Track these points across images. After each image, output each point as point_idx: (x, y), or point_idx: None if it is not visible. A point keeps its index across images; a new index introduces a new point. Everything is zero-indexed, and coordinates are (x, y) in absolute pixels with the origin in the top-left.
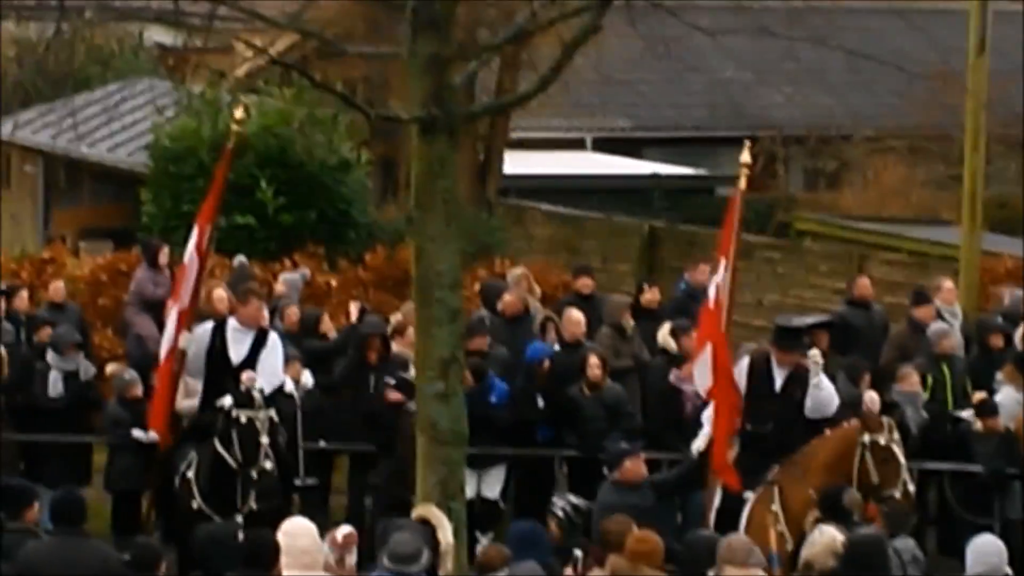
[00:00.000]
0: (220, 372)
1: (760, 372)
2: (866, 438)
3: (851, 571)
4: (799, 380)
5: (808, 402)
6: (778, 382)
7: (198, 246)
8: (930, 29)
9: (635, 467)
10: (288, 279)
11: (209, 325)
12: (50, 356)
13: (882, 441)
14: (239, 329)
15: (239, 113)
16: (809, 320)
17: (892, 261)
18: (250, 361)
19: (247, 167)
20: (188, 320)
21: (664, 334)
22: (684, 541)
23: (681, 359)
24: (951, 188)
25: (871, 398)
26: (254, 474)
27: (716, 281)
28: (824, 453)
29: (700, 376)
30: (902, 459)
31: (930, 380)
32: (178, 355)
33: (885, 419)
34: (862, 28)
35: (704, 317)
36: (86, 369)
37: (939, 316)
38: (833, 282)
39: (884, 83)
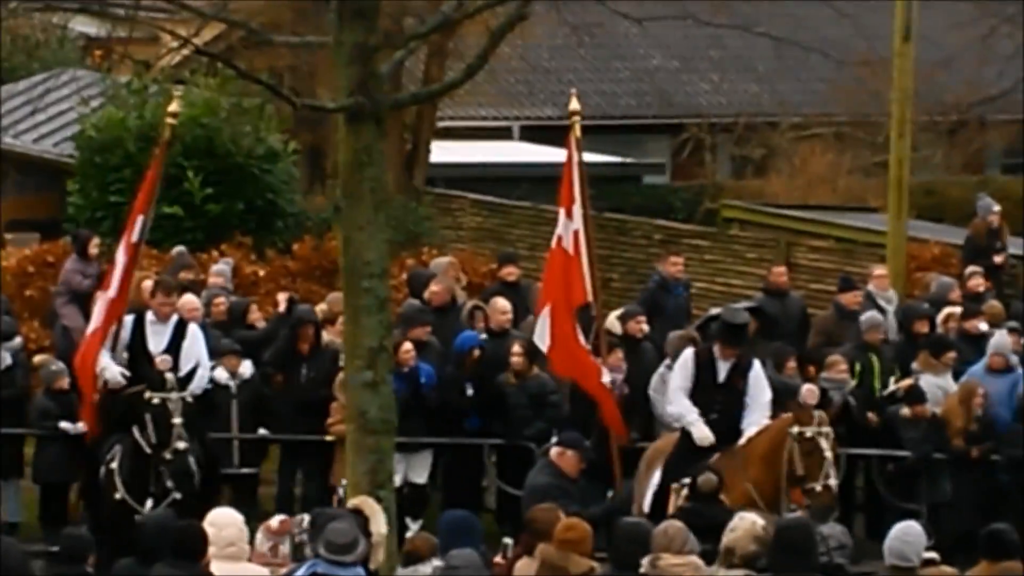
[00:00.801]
0: (140, 363)
1: (704, 364)
2: (795, 429)
3: (778, 556)
4: (741, 371)
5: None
6: (722, 374)
7: (127, 237)
8: (857, 16)
9: (573, 461)
10: (218, 270)
11: (130, 317)
12: None
13: (808, 433)
14: (156, 321)
15: (174, 106)
16: (735, 307)
17: (819, 248)
18: (170, 352)
19: (174, 157)
20: (118, 310)
21: (613, 318)
22: (615, 528)
23: (610, 347)
24: (878, 175)
25: (810, 390)
26: (167, 455)
27: (571, 228)
28: (761, 445)
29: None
30: (827, 452)
31: (858, 367)
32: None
33: (817, 412)
34: (788, 15)
35: (553, 264)
36: (1, 360)
37: (873, 303)
38: (761, 269)
39: (811, 70)
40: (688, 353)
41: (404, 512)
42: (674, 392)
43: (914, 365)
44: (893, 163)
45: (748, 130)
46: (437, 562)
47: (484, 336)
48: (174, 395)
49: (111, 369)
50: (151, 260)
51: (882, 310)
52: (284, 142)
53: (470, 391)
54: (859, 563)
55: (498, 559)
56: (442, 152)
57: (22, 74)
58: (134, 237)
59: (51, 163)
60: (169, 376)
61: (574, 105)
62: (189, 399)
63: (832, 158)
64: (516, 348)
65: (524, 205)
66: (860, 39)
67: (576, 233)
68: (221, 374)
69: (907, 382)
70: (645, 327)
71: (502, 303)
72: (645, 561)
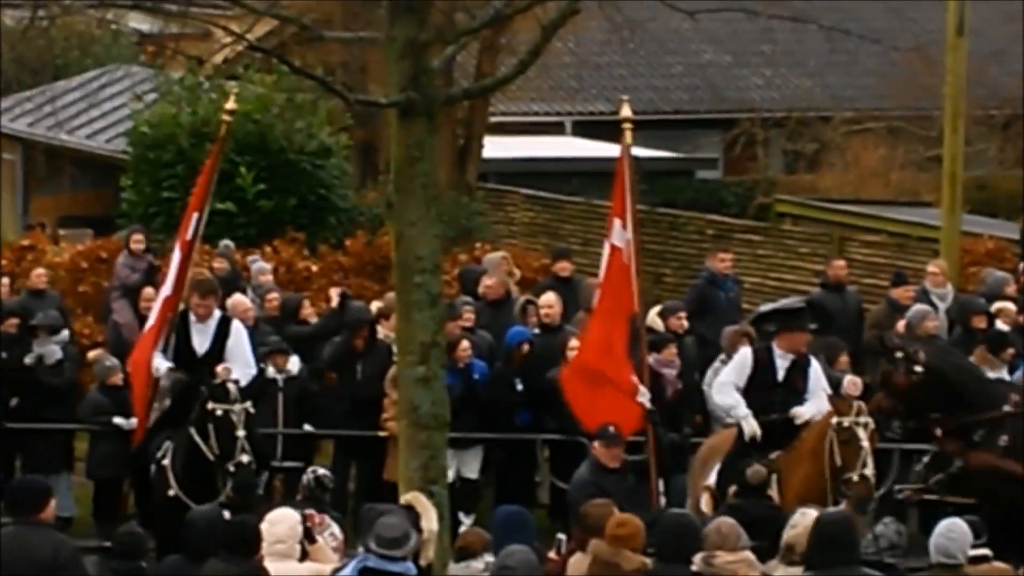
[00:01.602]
0: (186, 363)
1: (763, 363)
2: (834, 420)
3: (818, 550)
4: (800, 369)
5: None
6: (781, 372)
7: (182, 234)
8: (909, 11)
9: (607, 453)
10: (261, 267)
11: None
12: (36, 342)
13: (846, 423)
14: (197, 322)
15: (230, 103)
16: (785, 303)
17: (872, 243)
18: (215, 351)
19: (227, 153)
20: (173, 307)
21: (653, 315)
22: (664, 523)
23: (663, 342)
24: (931, 169)
25: (852, 381)
26: (231, 467)
27: (625, 238)
28: (809, 440)
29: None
30: (864, 442)
31: None
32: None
33: (857, 403)
34: (841, 10)
35: (613, 273)
36: (51, 353)
37: (927, 299)
38: (813, 264)
39: (863, 64)
40: (746, 352)
41: (456, 507)
42: (723, 385)
43: (971, 360)
44: (946, 157)
45: (800, 124)
46: (490, 557)
47: (536, 331)
48: (237, 407)
49: (160, 362)
50: (203, 255)
51: (934, 307)
52: (336, 138)
53: (519, 386)
54: (912, 559)
55: (552, 555)
56: (494, 147)
57: (76, 70)
58: (189, 234)
59: (105, 159)
60: (232, 387)
61: (626, 111)
62: (251, 410)
63: (885, 152)
64: (573, 343)
65: (576, 200)
66: (911, 33)
67: (629, 243)
68: (268, 369)
69: None
70: (686, 323)
71: (551, 297)
72: (698, 558)
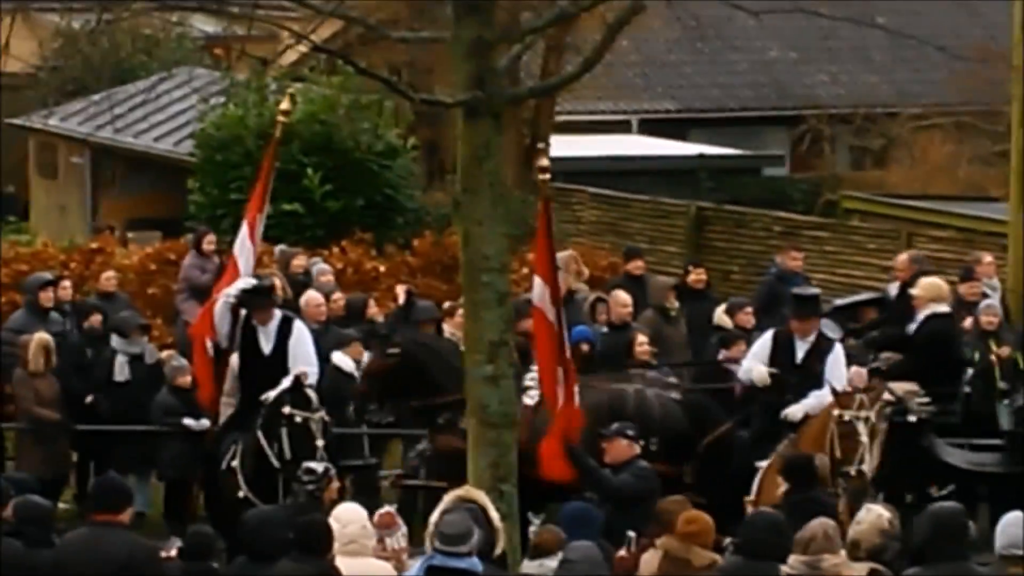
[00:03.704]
0: (252, 363)
1: (783, 345)
2: (835, 412)
3: (932, 543)
4: (820, 353)
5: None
6: (799, 355)
7: (250, 236)
8: (975, 5)
9: (611, 449)
10: (321, 268)
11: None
12: (115, 341)
13: (846, 416)
14: (259, 324)
15: (285, 104)
16: (857, 298)
17: (940, 238)
18: (279, 351)
19: (293, 154)
20: (235, 309)
21: (720, 312)
22: (754, 521)
23: (732, 339)
24: (998, 164)
25: (857, 373)
26: (303, 476)
27: (541, 299)
28: (811, 431)
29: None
30: (863, 437)
31: (977, 355)
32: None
33: (860, 396)
34: (905, 6)
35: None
36: (151, 352)
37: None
38: (881, 260)
39: (928, 60)
40: (769, 333)
41: (526, 507)
42: (747, 358)
43: None
44: (1014, 152)
45: (867, 121)
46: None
47: (605, 329)
48: (316, 415)
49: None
50: (270, 257)
51: (986, 296)
52: (403, 138)
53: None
54: (983, 554)
55: (622, 552)
56: (561, 146)
57: (141, 74)
58: (259, 235)
59: (172, 161)
60: (312, 394)
61: (543, 162)
62: (328, 419)
63: (952, 148)
64: (641, 339)
65: (643, 198)
66: (976, 28)
67: (545, 300)
68: (346, 362)
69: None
70: (753, 319)
71: (623, 296)
72: (799, 561)
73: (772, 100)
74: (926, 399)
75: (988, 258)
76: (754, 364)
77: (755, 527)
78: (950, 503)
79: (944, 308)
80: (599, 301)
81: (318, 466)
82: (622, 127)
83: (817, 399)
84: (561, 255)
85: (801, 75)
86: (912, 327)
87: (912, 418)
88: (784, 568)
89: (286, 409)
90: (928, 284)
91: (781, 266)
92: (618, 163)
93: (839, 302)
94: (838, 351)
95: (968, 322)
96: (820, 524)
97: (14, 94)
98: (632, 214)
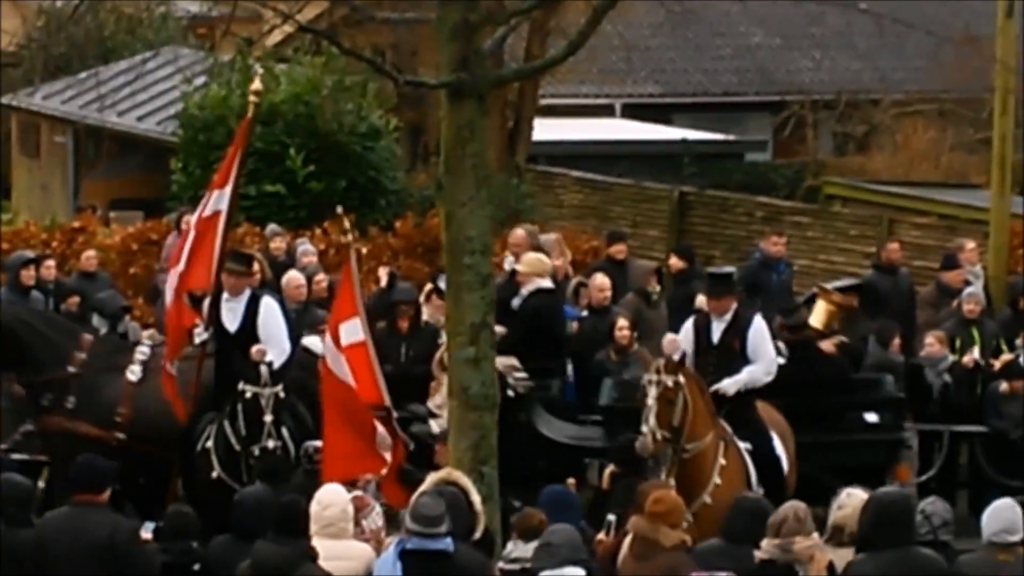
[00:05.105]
0: (220, 342)
1: (702, 327)
2: (651, 376)
3: (874, 530)
4: (738, 331)
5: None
6: (716, 334)
7: (199, 212)
8: None
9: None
10: (307, 249)
11: (207, 300)
12: (96, 320)
13: (670, 383)
14: (228, 299)
15: (256, 84)
16: (837, 284)
17: (921, 225)
18: (245, 329)
19: (276, 135)
20: (188, 284)
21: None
22: (738, 505)
23: None
24: (980, 151)
25: (671, 340)
26: (255, 451)
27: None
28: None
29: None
30: (650, 400)
31: (958, 342)
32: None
33: (656, 362)
34: None
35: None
36: (134, 331)
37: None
38: (863, 246)
39: (912, 47)
40: (689, 320)
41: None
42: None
43: (1018, 341)
44: (996, 139)
45: (850, 107)
46: None
47: (585, 312)
48: (267, 390)
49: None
50: (254, 238)
51: (968, 284)
52: (386, 120)
53: (569, 367)
54: (961, 540)
55: (601, 536)
56: (544, 129)
57: (125, 53)
58: (208, 211)
59: (155, 141)
60: (263, 369)
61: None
62: (282, 395)
63: (934, 135)
64: (622, 323)
65: (626, 183)
66: (960, 15)
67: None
68: (316, 344)
69: (1006, 357)
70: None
71: (601, 279)
72: (771, 544)
73: (756, 85)
74: (524, 374)
75: (970, 245)
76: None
77: (737, 512)
78: (895, 489)
79: (547, 283)
80: (581, 285)
81: (271, 443)
82: (605, 111)
83: (749, 374)
84: (548, 238)
85: (785, 61)
86: (516, 302)
87: (511, 392)
88: (757, 552)
89: (239, 386)
90: (531, 259)
91: (764, 251)
92: (601, 147)
93: (816, 289)
94: (758, 326)
95: (951, 308)
96: (791, 507)
97: None
98: (615, 198)
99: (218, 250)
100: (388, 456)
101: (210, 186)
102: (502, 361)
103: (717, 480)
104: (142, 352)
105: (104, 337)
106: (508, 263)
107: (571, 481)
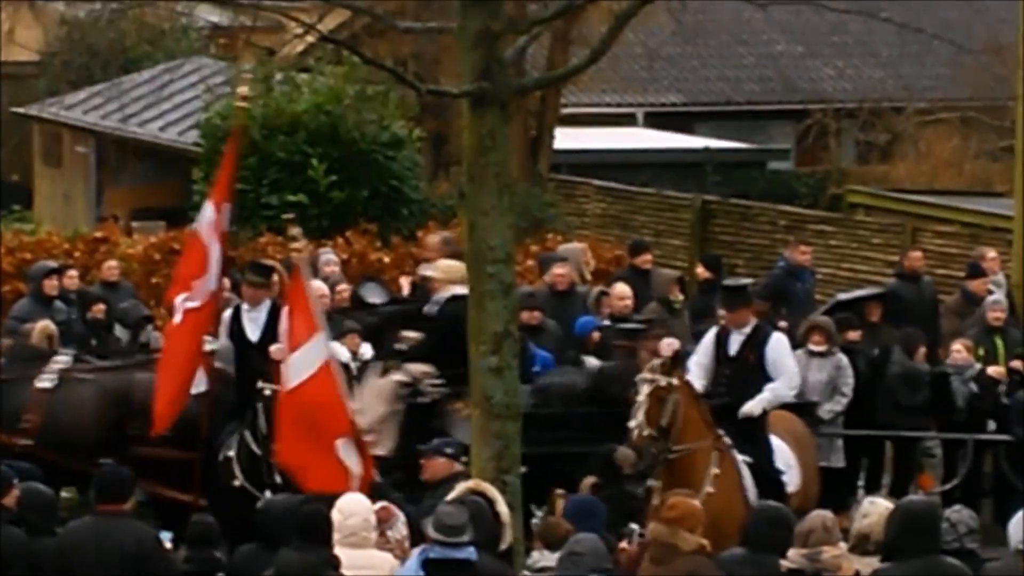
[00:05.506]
0: (241, 352)
1: (721, 338)
2: (648, 375)
3: (900, 539)
4: (756, 344)
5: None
6: (733, 347)
7: (218, 227)
8: (981, 2)
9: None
10: (329, 259)
11: (228, 312)
12: (119, 330)
13: (663, 383)
14: (249, 309)
15: (243, 89)
16: (861, 293)
17: (945, 233)
18: (268, 339)
19: (299, 145)
20: (217, 304)
21: None
22: (759, 513)
23: None
24: (1004, 160)
25: (667, 343)
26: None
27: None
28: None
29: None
30: (640, 397)
31: (981, 351)
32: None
33: (652, 362)
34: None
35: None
36: (156, 341)
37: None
38: (886, 255)
39: (935, 55)
40: (713, 329)
41: (528, 499)
42: (691, 364)
43: None
44: (1019, 147)
45: (873, 115)
46: None
47: (606, 322)
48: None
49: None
50: (276, 248)
51: (991, 292)
52: (408, 129)
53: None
54: (986, 548)
55: (623, 544)
56: (566, 139)
57: (147, 64)
58: (225, 225)
59: (176, 151)
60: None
61: (295, 231)
62: None
63: (958, 143)
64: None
65: (648, 192)
66: (983, 23)
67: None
68: (342, 352)
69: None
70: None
71: (622, 288)
72: (798, 554)
73: (778, 94)
74: (439, 380)
75: (991, 253)
76: (693, 362)
77: (759, 520)
78: (920, 497)
79: (463, 290)
80: (603, 294)
81: None
82: (627, 120)
83: (772, 392)
84: (573, 247)
85: (807, 69)
86: (432, 309)
87: (425, 399)
88: (784, 562)
89: (259, 384)
90: (447, 266)
91: (790, 260)
92: (623, 156)
93: (842, 296)
94: (778, 340)
95: (975, 316)
96: (818, 516)
97: (19, 83)
98: (637, 207)
99: (215, 262)
100: (356, 469)
101: (217, 201)
102: (416, 368)
103: (710, 488)
104: (60, 361)
105: (18, 345)
106: (421, 269)
107: (588, 482)
